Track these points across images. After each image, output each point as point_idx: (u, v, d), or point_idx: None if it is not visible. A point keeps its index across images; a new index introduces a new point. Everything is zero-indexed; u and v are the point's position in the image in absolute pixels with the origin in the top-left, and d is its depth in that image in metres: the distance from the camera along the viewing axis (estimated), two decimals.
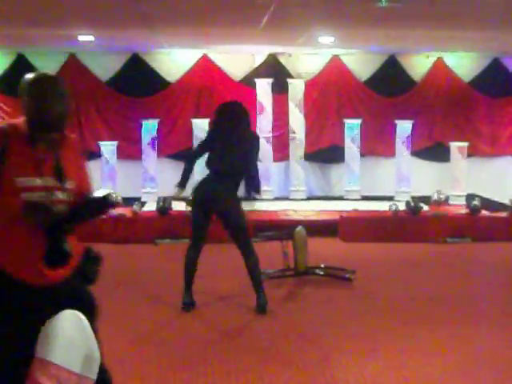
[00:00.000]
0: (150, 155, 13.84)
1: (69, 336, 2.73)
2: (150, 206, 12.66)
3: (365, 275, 9.28)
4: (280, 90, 14.69)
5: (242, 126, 7.75)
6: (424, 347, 6.45)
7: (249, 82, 14.84)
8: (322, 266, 9.43)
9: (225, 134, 7.61)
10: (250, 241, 7.71)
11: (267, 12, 9.81)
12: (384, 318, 7.46)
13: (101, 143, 13.82)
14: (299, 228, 9.33)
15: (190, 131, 14.40)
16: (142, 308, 7.77)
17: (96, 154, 13.93)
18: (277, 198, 14.29)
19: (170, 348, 6.41)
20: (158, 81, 15.04)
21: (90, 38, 12.53)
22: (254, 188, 7.98)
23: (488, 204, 13.17)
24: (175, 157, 14.85)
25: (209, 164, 7.67)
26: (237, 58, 15.10)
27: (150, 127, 13.86)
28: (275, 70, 15.04)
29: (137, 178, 13.82)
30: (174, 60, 15.11)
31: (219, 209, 7.55)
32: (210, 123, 7.88)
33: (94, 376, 2.77)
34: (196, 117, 14.51)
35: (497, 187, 14.97)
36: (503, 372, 5.84)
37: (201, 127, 13.96)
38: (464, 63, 15.73)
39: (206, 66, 15.10)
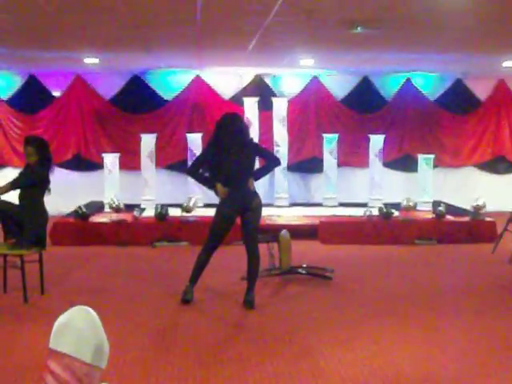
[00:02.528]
0: (148, 166, 13.80)
1: (80, 328, 2.71)
2: (149, 212, 12.63)
3: (343, 274, 9.30)
4: (265, 107, 14.71)
5: (246, 133, 7.78)
6: (396, 338, 6.46)
7: (237, 100, 14.87)
8: (305, 265, 9.44)
9: (233, 142, 7.50)
10: (257, 242, 7.73)
11: (254, 37, 9.84)
12: (360, 312, 7.47)
13: (104, 155, 13.80)
14: (283, 231, 9.34)
15: (184, 144, 14.45)
16: (145, 305, 7.75)
17: (100, 165, 13.98)
18: (263, 205, 14.22)
19: (168, 337, 6.41)
20: (155, 99, 15.07)
21: (95, 60, 12.54)
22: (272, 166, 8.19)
23: (452, 210, 13.20)
24: (171, 167, 14.94)
25: (219, 173, 7.54)
26: (226, 78, 15.17)
27: (148, 141, 13.83)
28: (261, 90, 15.09)
29: (137, 186, 13.78)
30: (170, 80, 15.14)
31: (246, 209, 7.54)
32: (214, 133, 7.74)
33: (103, 365, 2.76)
34: (190, 131, 14.57)
35: (460, 195, 15.04)
36: (466, 360, 5.86)
37: (194, 141, 14.03)
38: (430, 83, 15.80)
39: (198, 86, 15.14)
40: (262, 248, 8.21)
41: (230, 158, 7.48)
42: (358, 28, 8.81)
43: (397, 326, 6.91)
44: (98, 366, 2.72)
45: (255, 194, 7.65)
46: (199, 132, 14.28)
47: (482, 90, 16.13)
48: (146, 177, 13.81)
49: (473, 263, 10.40)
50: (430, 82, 15.83)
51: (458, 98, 15.91)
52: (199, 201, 12.71)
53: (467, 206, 13.09)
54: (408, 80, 15.59)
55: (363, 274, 9.52)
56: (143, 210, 13.07)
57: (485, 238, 12.13)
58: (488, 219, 12.46)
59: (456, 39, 10.04)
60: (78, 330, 2.72)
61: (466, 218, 12.52)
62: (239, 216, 7.62)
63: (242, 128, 7.74)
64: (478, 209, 12.48)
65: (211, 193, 7.86)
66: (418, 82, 15.69)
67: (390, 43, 10.51)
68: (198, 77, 15.08)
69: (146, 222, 12.10)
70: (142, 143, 13.83)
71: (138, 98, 14.95)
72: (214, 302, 7.89)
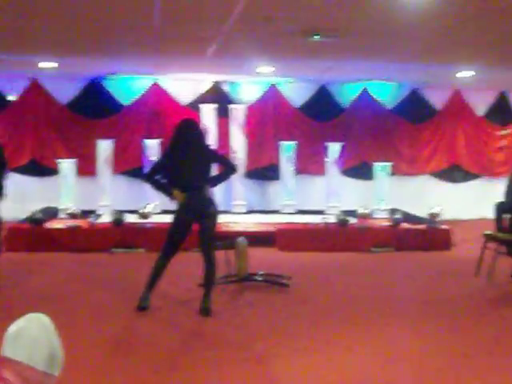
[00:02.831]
0: (105, 172, 13.70)
1: (33, 335, 2.68)
2: (106, 218, 12.54)
3: (300, 281, 9.31)
4: (223, 114, 14.70)
5: (203, 140, 7.79)
6: (351, 346, 6.49)
7: (195, 106, 14.84)
8: (261, 272, 9.44)
9: (190, 148, 7.51)
10: (214, 249, 7.71)
11: (213, 44, 9.84)
12: (317, 319, 7.49)
13: (60, 160, 13.66)
14: (240, 238, 9.32)
15: (141, 150, 14.38)
16: (100, 311, 7.68)
17: (56, 171, 13.83)
18: (220, 212, 14.21)
19: (123, 344, 6.36)
20: (113, 104, 14.98)
21: (54, 64, 12.43)
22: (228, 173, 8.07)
23: (408, 217, 13.31)
24: (128, 173, 14.84)
25: (176, 179, 7.54)
26: (185, 84, 15.13)
27: (105, 146, 13.73)
28: (219, 96, 15.09)
29: (93, 192, 13.67)
30: (129, 86, 15.06)
31: (203, 215, 7.52)
32: (171, 139, 7.71)
33: (57, 372, 2.73)
34: (147, 137, 14.49)
35: (416, 202, 15.17)
36: (422, 368, 5.90)
37: (152, 147, 13.98)
38: (387, 92, 15.95)
39: (156, 92, 15.10)
40: (219, 255, 8.19)
41: (187, 165, 7.48)
42: (317, 36, 8.86)
43: (353, 334, 6.93)
44: (51, 373, 2.69)
45: (211, 200, 7.64)
46: (157, 138, 14.21)
47: (437, 100, 16.35)
48: (103, 183, 13.71)
49: (429, 271, 10.49)
50: (386, 90, 15.98)
51: (415, 107, 16.09)
52: (156, 207, 12.64)
53: (423, 214, 13.23)
54: (365, 89, 15.72)
55: (320, 282, 9.55)
56: (99, 215, 12.97)
57: (440, 245, 12.27)
58: (444, 227, 12.60)
59: (413, 49, 10.15)
60: (31, 337, 2.68)
61: (422, 226, 12.64)
62: (196, 222, 7.60)
63: (199, 134, 7.74)
64: (433, 217, 12.62)
65: (168, 199, 7.83)
66: (375, 90, 15.83)
67: (348, 52, 10.59)
68: (156, 83, 15.04)
69: (103, 229, 12.00)
70: (98, 149, 13.73)
71: (96, 104, 14.84)
72: (170, 309, 7.85)
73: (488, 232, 9.44)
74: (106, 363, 5.82)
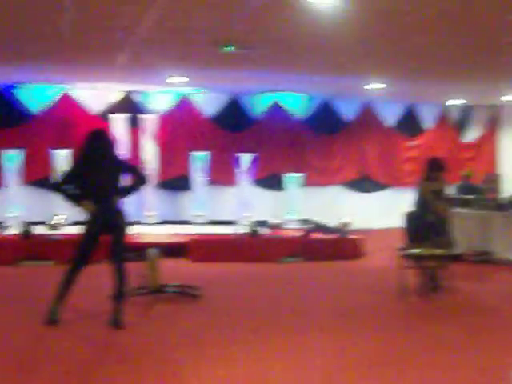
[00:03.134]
0: (13, 182, 13.42)
1: None
2: (14, 230, 12.28)
3: (212, 292, 9.30)
4: (134, 124, 14.61)
5: (113, 150, 7.71)
6: (263, 357, 6.52)
7: (105, 116, 14.70)
8: (173, 284, 9.39)
9: (99, 159, 7.43)
10: (124, 260, 7.61)
11: (123, 54, 9.77)
12: (229, 330, 7.49)
13: None
14: (152, 249, 9.27)
15: (51, 160, 14.13)
16: (6, 326, 7.50)
17: None
18: (131, 223, 14.10)
19: (33, 359, 6.23)
20: (22, 113, 14.67)
21: None
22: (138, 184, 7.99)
23: (319, 227, 13.47)
24: (37, 184, 14.53)
25: (86, 190, 7.43)
26: (95, 94, 14.96)
27: (13, 156, 13.45)
28: (130, 106, 14.98)
29: (1, 203, 13.37)
30: (38, 95, 14.78)
31: (113, 227, 7.43)
32: (81, 149, 7.61)
33: None
34: (56, 147, 14.25)
35: (327, 213, 15.35)
36: (331, 377, 5.97)
37: (61, 157, 13.76)
38: (298, 103, 16.12)
39: (66, 101, 14.88)
40: (131, 266, 8.12)
41: (97, 175, 7.41)
42: (229, 48, 8.90)
43: (264, 345, 6.96)
44: None
45: (121, 211, 7.58)
46: (66, 148, 13.99)
47: (348, 111, 16.64)
48: (11, 193, 13.43)
49: (339, 280, 10.64)
50: (298, 102, 16.15)
51: (326, 119, 16.33)
52: (66, 218, 12.45)
53: (334, 224, 13.41)
54: (277, 100, 15.85)
55: (232, 292, 9.57)
56: (7, 227, 12.69)
57: (351, 255, 12.47)
58: (354, 237, 12.80)
59: (324, 62, 10.30)
60: None
61: (333, 236, 12.82)
62: (106, 234, 7.52)
63: (109, 145, 7.67)
64: (344, 226, 12.80)
65: (78, 210, 7.71)
66: (287, 102, 15.98)
67: (260, 64, 10.67)
68: (65, 92, 14.81)
69: (10, 240, 11.74)
70: (6, 159, 13.43)
71: (4, 113, 14.51)
72: (81, 322, 7.73)
73: (405, 251, 9.57)
74: (14, 379, 5.68)
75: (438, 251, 9.48)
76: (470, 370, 6.21)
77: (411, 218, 9.93)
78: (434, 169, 9.90)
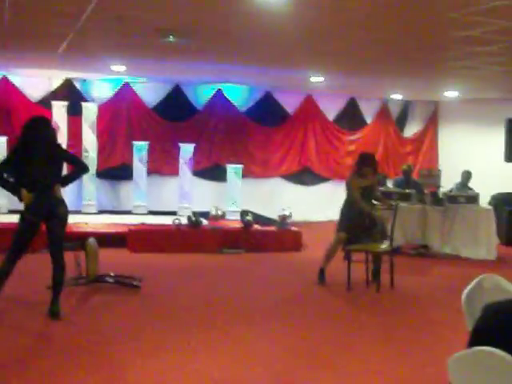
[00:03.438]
0: None
1: None
2: None
3: (151, 283, 9.28)
4: (75, 112, 14.44)
5: (53, 138, 7.60)
6: (203, 347, 6.53)
7: (46, 103, 14.48)
8: (112, 274, 9.34)
9: (40, 147, 7.29)
10: (63, 250, 7.52)
11: (64, 41, 9.65)
12: (168, 321, 7.48)
13: None
14: (91, 239, 9.20)
15: None
16: None
17: None
18: (70, 212, 13.91)
19: None
20: None
21: None
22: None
23: (259, 219, 13.53)
24: None
25: (24, 178, 7.28)
26: (35, 80, 14.72)
27: None
28: (71, 94, 14.79)
29: None
30: None
31: (52, 216, 7.31)
32: (20, 137, 7.46)
33: None
34: None
35: (267, 204, 15.42)
36: (273, 368, 6.02)
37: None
38: (240, 94, 16.15)
39: (5, 87, 14.60)
40: (69, 256, 8.05)
41: (36, 163, 7.28)
42: (171, 37, 8.85)
43: (204, 335, 6.97)
44: None
45: (61, 200, 7.48)
46: (4, 135, 13.76)
47: (290, 104, 16.70)
48: None
49: (279, 272, 10.71)
50: (240, 93, 16.17)
51: (268, 111, 16.37)
52: (3, 207, 12.26)
53: (274, 216, 13.48)
54: (219, 90, 15.85)
55: (172, 284, 9.55)
56: None
57: (290, 247, 12.57)
58: (294, 229, 12.90)
59: (267, 54, 10.32)
60: None
61: (273, 228, 12.90)
62: (44, 223, 7.42)
63: (49, 132, 7.56)
64: (284, 219, 12.88)
65: (16, 198, 7.59)
66: (230, 92, 15.98)
67: (203, 54, 10.64)
68: (4, 78, 14.53)
69: None
70: None
71: None
72: (16, 313, 7.63)
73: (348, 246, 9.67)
74: None
75: (371, 246, 9.61)
76: (410, 362, 6.33)
77: (344, 212, 10.00)
78: (365, 164, 9.90)
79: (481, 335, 3.22)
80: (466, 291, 4.21)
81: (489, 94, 15.07)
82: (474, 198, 12.82)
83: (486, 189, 13.78)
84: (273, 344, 6.79)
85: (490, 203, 14.02)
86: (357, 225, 9.65)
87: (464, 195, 12.89)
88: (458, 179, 13.99)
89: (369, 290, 9.44)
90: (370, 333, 7.36)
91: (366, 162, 9.92)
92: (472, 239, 12.49)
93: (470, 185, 13.74)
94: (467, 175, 13.88)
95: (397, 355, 6.55)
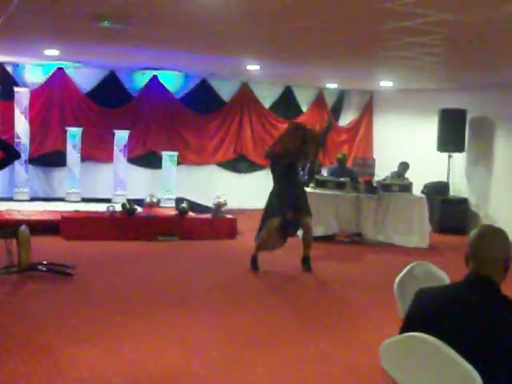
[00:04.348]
0: None
1: None
2: None
3: (85, 271, 9.22)
4: (6, 97, 14.18)
5: None
6: (138, 336, 6.54)
7: None
8: (45, 262, 9.24)
9: None
10: None
11: None
12: (102, 309, 7.46)
13: None
14: (23, 227, 9.07)
15: None
16: None
17: None
18: (1, 199, 13.78)
19: None
20: None
21: None
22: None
23: (194, 207, 13.53)
24: None
25: None
26: None
27: None
28: (2, 78, 14.51)
29: None
30: None
31: None
32: None
33: None
34: None
35: (202, 192, 15.44)
36: (208, 356, 6.05)
37: None
38: (175, 81, 16.08)
39: None
40: (0, 244, 7.95)
41: None
42: (106, 22, 8.75)
43: (139, 323, 6.97)
44: None
45: None
46: None
47: (226, 91, 16.70)
48: None
49: (213, 259, 10.76)
50: (176, 80, 16.10)
51: (203, 98, 16.35)
52: None
53: (209, 204, 13.50)
54: (154, 77, 15.74)
55: (106, 271, 9.50)
56: None
57: (225, 234, 12.61)
58: (229, 216, 12.94)
59: (203, 40, 10.29)
60: None
61: (208, 215, 12.91)
62: None
63: None
64: (219, 206, 12.89)
65: None
66: (165, 79, 15.90)
67: (138, 40, 10.55)
68: None
69: None
70: None
71: None
72: None
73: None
74: None
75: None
76: (342, 346, 6.44)
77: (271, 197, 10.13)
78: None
79: (412, 321, 3.30)
80: (398, 278, 4.30)
81: (423, 84, 15.29)
82: (407, 187, 13.05)
83: (419, 178, 14.02)
84: (207, 330, 6.83)
85: (422, 192, 14.28)
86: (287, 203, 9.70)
87: (397, 184, 13.11)
88: (393, 168, 14.19)
89: (301, 276, 9.54)
90: (304, 320, 7.46)
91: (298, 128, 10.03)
92: (405, 227, 12.72)
93: (406, 174, 13.95)
94: (404, 166, 14.08)
95: (333, 342, 6.65)
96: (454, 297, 3.21)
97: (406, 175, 13.92)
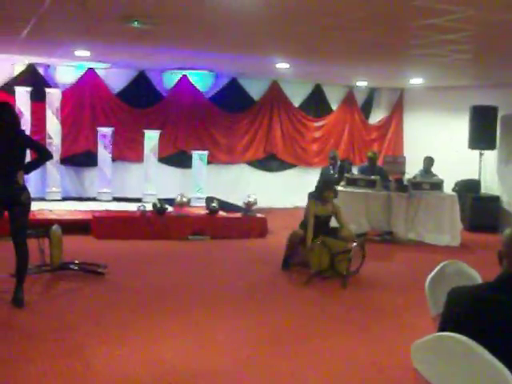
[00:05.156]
0: None
1: None
2: None
3: (116, 270, 9.25)
4: (38, 98, 14.28)
5: (17, 124, 7.51)
6: (168, 335, 6.54)
7: (8, 89, 14.28)
8: (77, 261, 9.29)
9: (3, 133, 7.22)
10: (26, 237, 7.46)
11: (28, 25, 9.54)
12: (133, 308, 7.49)
13: None
14: (55, 226, 9.13)
15: None
16: None
17: None
18: (33, 199, 13.83)
19: None
20: None
21: None
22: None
23: (224, 206, 13.54)
24: None
25: None
26: None
27: None
28: (34, 79, 14.61)
29: None
30: None
31: (14, 203, 7.23)
32: None
33: None
34: None
35: (232, 191, 15.45)
36: (235, 354, 6.04)
37: None
38: (206, 81, 16.09)
39: None
40: (32, 243, 8.00)
41: (0, 150, 7.22)
42: (135, 23, 8.79)
43: (169, 323, 6.98)
44: None
45: (24, 187, 7.41)
46: None
47: (256, 90, 16.69)
48: None
49: (244, 258, 10.74)
50: (206, 79, 16.11)
51: (233, 97, 16.35)
52: None
53: (239, 203, 13.50)
54: (184, 77, 15.77)
55: (137, 271, 9.53)
56: None
57: (256, 233, 12.60)
58: (259, 215, 12.93)
59: (232, 40, 10.29)
60: None
61: (238, 215, 12.91)
62: (7, 210, 7.35)
63: (12, 119, 7.47)
64: (249, 205, 12.89)
65: None
66: (195, 79, 15.92)
67: (168, 40, 10.58)
68: None
69: None
70: None
71: None
72: None
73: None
74: None
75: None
76: (376, 348, 6.39)
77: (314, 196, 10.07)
78: (327, 188, 9.97)
79: (446, 321, 3.27)
80: (429, 277, 4.26)
81: (453, 81, 15.17)
82: (438, 185, 12.94)
83: (450, 175, 13.89)
84: (237, 330, 6.82)
85: (454, 190, 14.16)
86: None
87: (428, 182, 13.01)
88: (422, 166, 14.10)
89: (334, 277, 9.49)
90: (334, 319, 7.42)
91: (327, 186, 10.02)
92: (436, 225, 12.63)
93: (436, 171, 13.81)
94: (429, 161, 13.97)
95: (362, 342, 6.62)
96: (486, 296, 3.17)
97: (436, 172, 13.78)
